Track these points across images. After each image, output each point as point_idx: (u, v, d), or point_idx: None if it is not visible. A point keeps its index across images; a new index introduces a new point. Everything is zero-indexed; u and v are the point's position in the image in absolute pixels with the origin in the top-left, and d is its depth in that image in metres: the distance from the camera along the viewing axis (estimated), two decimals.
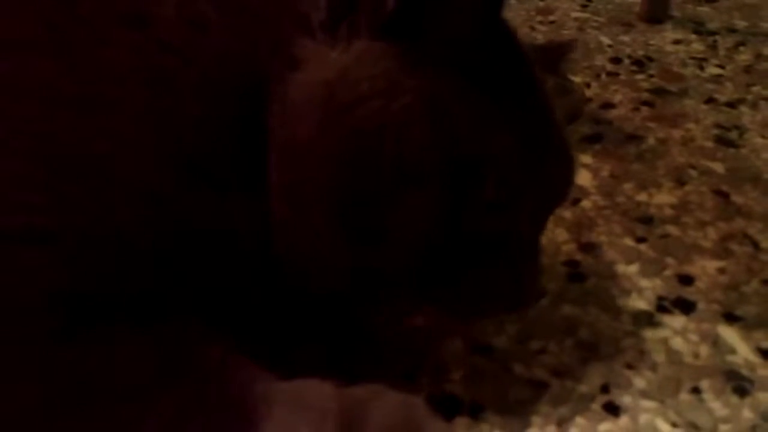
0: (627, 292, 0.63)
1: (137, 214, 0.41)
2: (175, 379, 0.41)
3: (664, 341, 0.58)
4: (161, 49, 0.42)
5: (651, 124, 0.90)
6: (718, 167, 0.81)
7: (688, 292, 0.63)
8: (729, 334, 0.59)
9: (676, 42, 1.14)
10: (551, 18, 1.23)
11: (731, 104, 0.95)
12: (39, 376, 0.38)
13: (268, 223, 0.45)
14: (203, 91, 0.43)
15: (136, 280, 0.42)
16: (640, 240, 0.69)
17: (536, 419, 0.51)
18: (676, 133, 0.88)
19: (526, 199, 0.48)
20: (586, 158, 0.82)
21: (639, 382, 0.54)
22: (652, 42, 1.13)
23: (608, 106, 0.94)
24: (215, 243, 0.44)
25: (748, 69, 1.05)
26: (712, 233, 0.70)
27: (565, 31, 1.17)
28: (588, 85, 0.99)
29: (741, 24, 1.22)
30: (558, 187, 0.50)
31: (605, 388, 0.53)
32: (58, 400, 0.38)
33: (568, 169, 0.50)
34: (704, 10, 1.28)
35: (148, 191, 0.42)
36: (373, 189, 0.44)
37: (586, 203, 0.74)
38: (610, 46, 1.12)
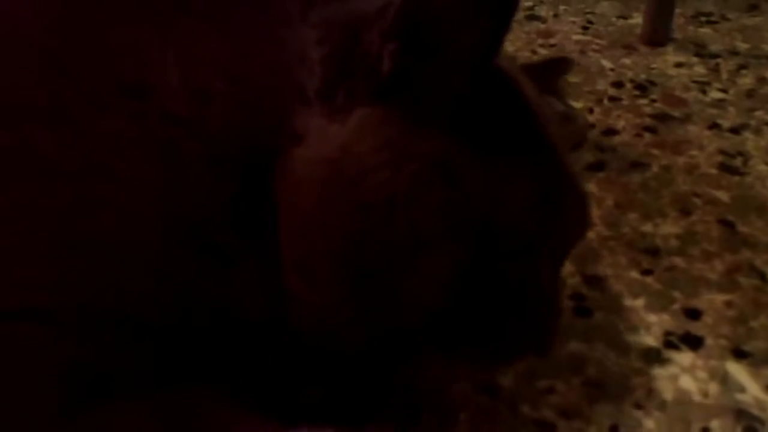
0: (634, 328, 0.62)
1: (141, 288, 0.41)
2: None
3: (673, 379, 0.57)
4: (165, 119, 0.41)
5: (655, 151, 0.89)
6: (723, 196, 0.81)
7: (696, 327, 0.62)
8: (738, 371, 0.58)
9: (678, 65, 1.14)
10: (552, 41, 1.23)
11: (735, 130, 0.95)
12: None
13: (277, 293, 0.44)
14: (208, 162, 0.42)
15: (140, 353, 0.41)
16: (646, 272, 0.69)
17: None
18: (680, 160, 0.87)
19: (543, 245, 0.47)
20: (590, 187, 0.81)
21: (648, 423, 0.53)
22: (654, 65, 1.13)
23: (611, 132, 0.94)
24: (221, 314, 0.44)
25: (750, 93, 1.05)
26: (718, 265, 0.70)
27: (566, 55, 1.16)
28: (590, 111, 0.99)
29: (743, 46, 1.22)
30: (574, 229, 0.50)
31: (614, 429, 0.53)
32: None
33: (582, 209, 0.50)
34: (706, 32, 1.28)
35: (153, 264, 0.41)
36: (386, 259, 0.43)
37: (590, 234, 0.74)
38: (612, 69, 1.12)
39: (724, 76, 1.10)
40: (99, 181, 0.40)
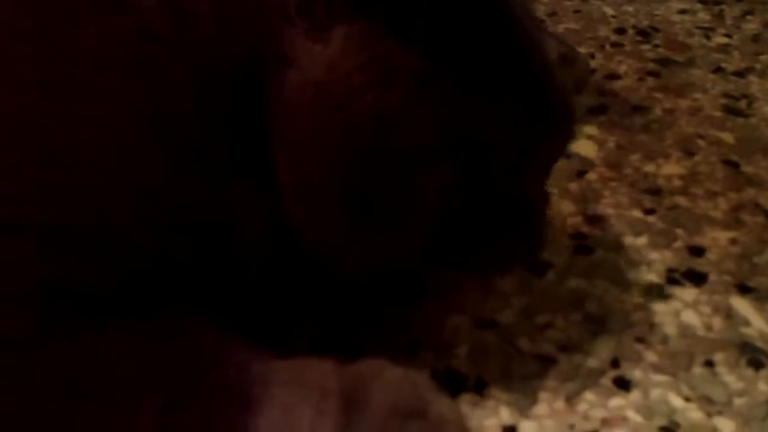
0: (636, 265, 0.61)
1: (127, 205, 0.40)
2: (167, 368, 0.39)
3: (676, 314, 0.56)
4: (144, 37, 0.40)
5: (657, 95, 0.87)
6: (727, 137, 0.79)
7: (699, 264, 0.61)
8: (742, 305, 0.57)
9: (682, 12, 1.11)
10: None
11: (739, 73, 0.92)
12: (24, 374, 0.36)
13: (276, 216, 0.44)
14: (194, 82, 0.41)
15: (127, 272, 0.40)
16: (649, 212, 0.67)
17: (544, 395, 0.49)
18: (684, 104, 0.85)
19: (530, 161, 0.46)
20: (591, 130, 0.79)
21: (650, 356, 0.52)
22: (657, 12, 1.11)
23: (613, 77, 0.92)
24: (213, 235, 0.43)
25: (756, 38, 1.02)
26: (722, 203, 0.68)
27: (568, 2, 1.14)
28: (592, 56, 0.96)
29: None
30: (560, 141, 0.48)
31: (615, 363, 0.52)
32: (45, 399, 0.36)
33: (568, 119, 0.48)
34: None
35: (139, 182, 0.40)
36: (382, 178, 0.43)
37: (591, 175, 0.72)
38: (614, 16, 1.09)
39: (729, 21, 1.08)
40: (78, 97, 0.39)
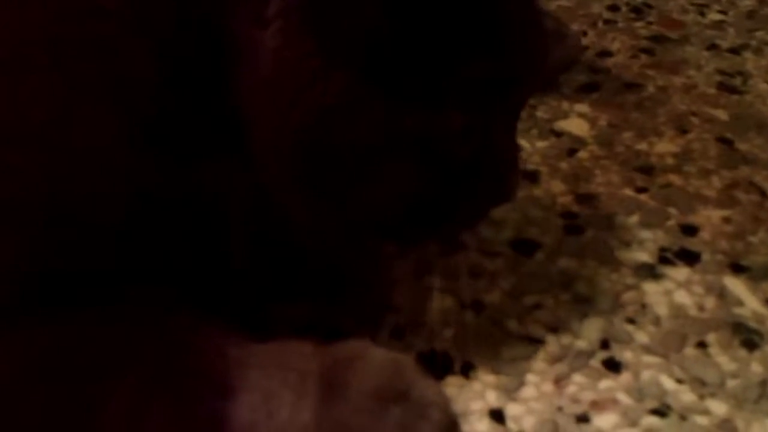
0: (627, 244, 0.59)
1: (88, 182, 0.38)
2: (141, 353, 0.38)
3: (668, 294, 0.55)
4: (92, 13, 0.39)
5: (650, 72, 0.85)
6: (722, 114, 0.77)
7: (692, 243, 0.60)
8: (736, 285, 0.56)
9: None
10: None
11: (734, 50, 0.91)
12: None
13: (249, 189, 0.43)
14: (154, 57, 0.40)
15: (93, 252, 0.39)
16: (641, 190, 0.66)
17: (532, 377, 0.48)
18: (677, 81, 0.84)
19: (496, 115, 0.44)
20: (582, 108, 0.78)
21: (641, 337, 0.51)
22: None
23: (606, 54, 0.90)
24: (184, 212, 0.41)
25: (751, 14, 1.00)
26: (716, 182, 0.67)
27: None
28: (584, 34, 0.95)
29: None
30: (530, 83, 0.46)
31: (605, 344, 0.50)
32: (13, 385, 0.35)
33: (537, 56, 0.45)
34: None
35: (99, 159, 0.39)
36: (340, 171, 0.41)
37: (583, 154, 0.71)
38: None
39: None
40: (28, 74, 0.38)
